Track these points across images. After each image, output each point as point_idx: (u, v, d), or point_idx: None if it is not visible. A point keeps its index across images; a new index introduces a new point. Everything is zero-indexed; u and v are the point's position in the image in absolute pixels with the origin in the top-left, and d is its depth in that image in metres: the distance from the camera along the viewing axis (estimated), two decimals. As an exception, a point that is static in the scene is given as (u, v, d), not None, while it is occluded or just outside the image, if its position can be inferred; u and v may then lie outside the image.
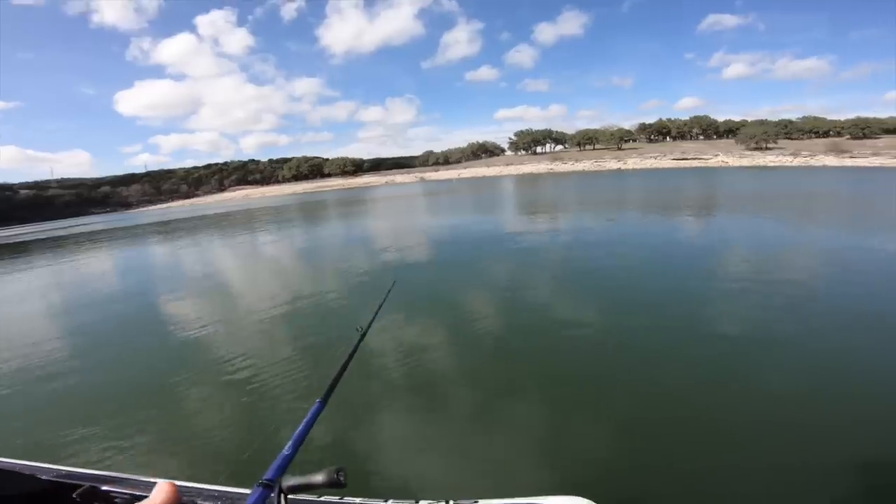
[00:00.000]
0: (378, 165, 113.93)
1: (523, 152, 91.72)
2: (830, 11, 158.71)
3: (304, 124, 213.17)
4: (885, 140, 57.59)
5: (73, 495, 1.48)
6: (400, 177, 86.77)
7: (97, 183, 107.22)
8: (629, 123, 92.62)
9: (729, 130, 77.69)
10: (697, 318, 5.93)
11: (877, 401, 3.76)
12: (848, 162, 46.62)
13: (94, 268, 16.58)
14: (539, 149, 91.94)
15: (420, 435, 3.85)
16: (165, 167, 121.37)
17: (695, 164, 55.82)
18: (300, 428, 0.79)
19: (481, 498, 1.20)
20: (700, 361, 4.67)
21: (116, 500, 1.52)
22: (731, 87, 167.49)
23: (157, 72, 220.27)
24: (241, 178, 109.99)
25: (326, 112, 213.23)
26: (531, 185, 43.29)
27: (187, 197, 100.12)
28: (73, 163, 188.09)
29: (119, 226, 43.89)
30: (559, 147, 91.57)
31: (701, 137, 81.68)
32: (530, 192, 35.55)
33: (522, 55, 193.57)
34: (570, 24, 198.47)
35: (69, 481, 1.58)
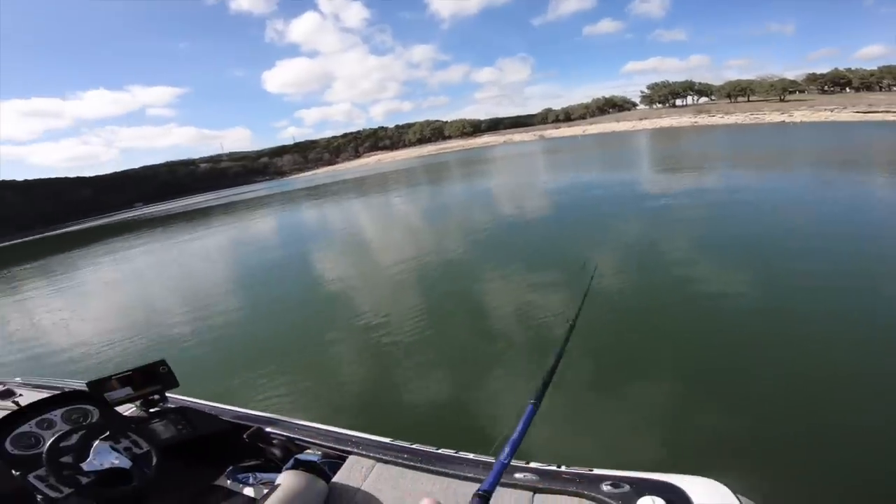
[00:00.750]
0: (496, 125, 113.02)
1: (659, 106, 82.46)
2: None
3: (425, 89, 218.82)
4: None
5: (244, 435, 1.78)
6: (518, 135, 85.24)
7: (258, 155, 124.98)
8: (794, 74, 76.22)
9: None
10: (867, 300, 4.86)
11: None
12: None
13: (274, 227, 19.72)
14: (679, 102, 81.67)
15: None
16: (309, 138, 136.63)
17: (889, 117, 44.72)
18: (515, 435, 0.76)
19: (620, 469, 1.21)
20: (868, 348, 3.94)
21: (275, 441, 1.80)
22: None
23: (293, 50, 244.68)
24: (373, 144, 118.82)
25: (443, 76, 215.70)
26: (673, 140, 37.01)
27: (329, 164, 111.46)
28: (237, 138, 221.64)
29: (279, 191, 50.48)
30: (704, 99, 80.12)
31: (894, 88, 63.95)
32: (685, 145, 30.22)
33: (650, 5, 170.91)
34: None
35: (242, 422, 1.88)
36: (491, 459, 1.39)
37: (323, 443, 1.71)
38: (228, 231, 21.54)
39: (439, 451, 1.53)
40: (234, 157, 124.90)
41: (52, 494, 1.54)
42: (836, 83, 69.64)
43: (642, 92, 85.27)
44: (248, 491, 1.85)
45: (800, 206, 9.40)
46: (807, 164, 16.13)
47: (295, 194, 39.33)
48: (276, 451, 1.84)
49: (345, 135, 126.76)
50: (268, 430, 1.83)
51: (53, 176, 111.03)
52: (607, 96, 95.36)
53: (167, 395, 2.03)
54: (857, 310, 4.67)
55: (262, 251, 13.59)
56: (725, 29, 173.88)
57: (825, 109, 52.00)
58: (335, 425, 1.86)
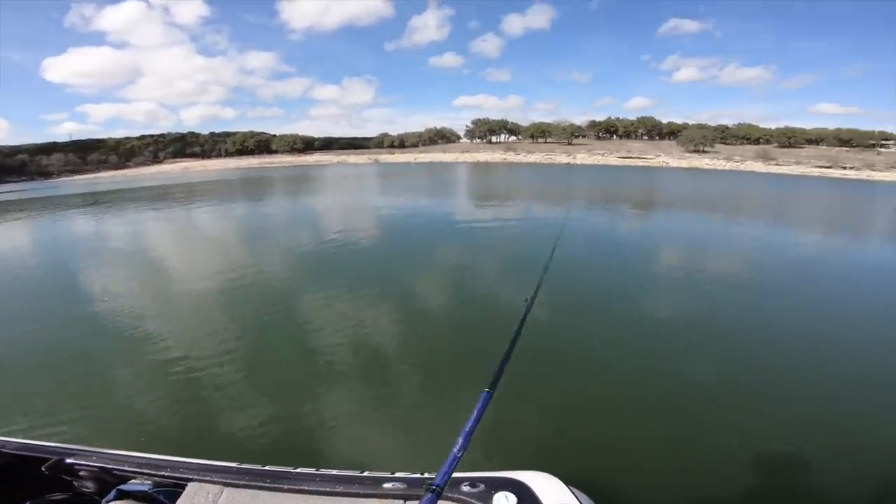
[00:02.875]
0: (330, 144, 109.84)
1: (479, 140, 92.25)
2: (779, 20, 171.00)
3: (254, 99, 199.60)
4: (808, 150, 63.96)
5: (42, 468, 1.46)
6: (353, 157, 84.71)
7: (13, 151, 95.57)
8: (581, 119, 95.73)
9: (671, 132, 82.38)
10: (636, 301, 6.84)
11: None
12: (773, 169, 51.40)
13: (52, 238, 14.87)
14: (494, 138, 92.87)
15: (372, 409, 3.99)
16: (94, 136, 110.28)
17: (638, 162, 59.07)
18: (469, 422, 0.67)
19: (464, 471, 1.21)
20: (646, 345, 5.25)
21: (82, 473, 1.49)
22: (679, 90, 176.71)
23: (96, 38, 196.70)
24: (179, 150, 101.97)
25: (280, 88, 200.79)
26: (491, 172, 44.37)
27: (118, 168, 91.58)
28: None
29: (39, 195, 39.04)
30: (513, 138, 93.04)
31: (645, 137, 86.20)
32: (496, 179, 36.73)
33: (489, 44, 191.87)
34: (539, 17, 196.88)
35: (36, 454, 1.54)
36: (355, 473, 1.37)
37: (152, 472, 1.47)
38: None
39: (297, 469, 1.41)
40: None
41: None
42: (608, 130, 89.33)
43: (467, 126, 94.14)
44: None
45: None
46: (590, 200, 21.69)
47: (66, 200, 30.65)
48: (89, 484, 1.52)
49: (142, 137, 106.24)
50: (71, 461, 1.52)
51: None
52: (438, 127, 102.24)
53: None
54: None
55: (48, 266, 10.64)
56: (540, 72, 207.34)
57: (598, 153, 65.70)
58: (166, 454, 1.59)
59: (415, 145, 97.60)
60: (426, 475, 1.27)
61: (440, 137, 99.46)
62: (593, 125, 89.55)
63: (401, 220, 15.17)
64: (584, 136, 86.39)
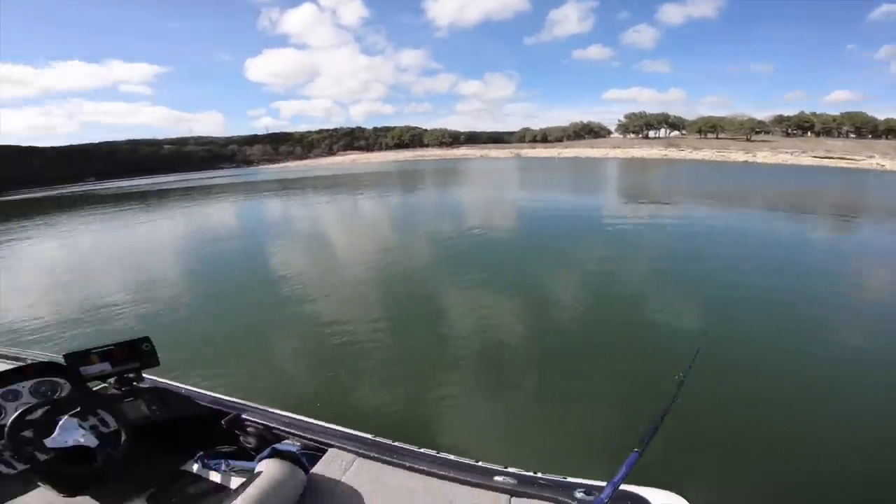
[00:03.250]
0: (473, 139, 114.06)
1: (633, 136, 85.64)
2: None
3: (408, 95, 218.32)
4: None
5: (222, 421, 1.77)
6: (495, 151, 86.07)
7: (227, 142, 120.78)
8: (763, 114, 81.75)
9: (890, 130, 65.17)
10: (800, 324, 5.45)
11: None
12: None
13: (250, 216, 18.52)
14: (652, 133, 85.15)
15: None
16: (284, 130, 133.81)
17: (841, 163, 48.17)
18: (617, 477, 0.77)
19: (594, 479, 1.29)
20: (815, 375, 4.32)
21: (251, 429, 1.79)
22: None
23: (282, 41, 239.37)
24: (349, 143, 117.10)
25: (429, 84, 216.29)
26: (650, 170, 38.74)
27: (301, 158, 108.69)
28: (209, 122, 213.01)
29: (246, 180, 48.07)
30: (675, 133, 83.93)
31: (853, 136, 69.45)
32: (656, 177, 31.72)
33: (642, 35, 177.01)
34: (702, 6, 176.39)
35: (219, 408, 1.88)
36: (470, 462, 1.44)
37: (302, 434, 1.68)
38: (194, 216, 20.23)
39: (421, 450, 1.53)
40: (201, 141, 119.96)
41: (4, 470, 1.48)
42: (800, 126, 74.69)
43: (619, 120, 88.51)
44: (216, 477, 1.82)
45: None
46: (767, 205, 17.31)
47: (264, 186, 37.84)
48: (252, 440, 1.79)
49: (320, 131, 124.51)
50: (245, 417, 1.78)
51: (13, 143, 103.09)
52: (585, 121, 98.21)
53: (144, 375, 1.95)
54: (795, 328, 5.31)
55: (240, 240, 12.79)
56: (708, 64, 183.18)
57: (785, 152, 55.35)
58: (314, 418, 1.80)
59: (559, 139, 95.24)
60: (538, 474, 1.35)
61: (587, 132, 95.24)
62: (780, 120, 75.65)
63: (546, 217, 14.68)
64: (767, 133, 73.61)
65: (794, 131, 74.73)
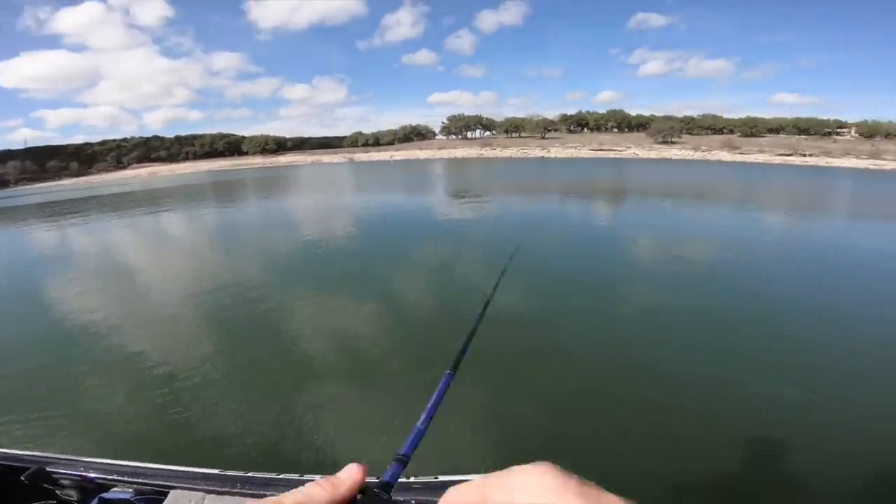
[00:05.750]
0: (301, 144, 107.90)
1: (454, 136, 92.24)
2: (742, 13, 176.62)
3: (221, 100, 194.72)
4: (769, 139, 66.62)
5: (22, 477, 1.42)
6: (327, 156, 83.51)
7: None
8: (553, 113, 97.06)
9: (640, 124, 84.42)
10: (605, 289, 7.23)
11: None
12: (738, 157, 53.44)
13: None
14: (469, 134, 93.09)
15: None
16: (51, 143, 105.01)
17: (610, 154, 60.31)
18: (431, 401, 0.75)
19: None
20: (616, 333, 5.50)
21: (64, 482, 1.47)
22: (646, 83, 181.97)
23: (52, 42, 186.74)
24: (143, 155, 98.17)
25: (248, 88, 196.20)
26: (467, 168, 43.96)
27: (79, 175, 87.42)
28: None
29: None
30: (487, 133, 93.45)
31: (615, 130, 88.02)
32: (473, 175, 36.44)
33: (462, 41, 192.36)
34: (512, 12, 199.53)
35: (15, 464, 1.51)
36: None
37: (133, 479, 1.45)
38: None
39: (280, 475, 1.37)
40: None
41: None
42: (579, 123, 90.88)
43: (443, 122, 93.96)
44: None
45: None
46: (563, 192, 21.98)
47: (27, 211, 28.76)
48: (71, 493, 1.49)
49: (103, 142, 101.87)
50: (53, 469, 1.49)
51: None
52: (413, 124, 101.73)
53: None
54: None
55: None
56: (513, 68, 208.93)
57: (571, 147, 66.63)
58: (147, 462, 1.57)
59: (390, 143, 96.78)
60: (411, 479, 1.24)
61: (415, 135, 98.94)
62: (565, 119, 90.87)
63: (377, 218, 15.50)
64: (556, 130, 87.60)
65: (575, 128, 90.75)
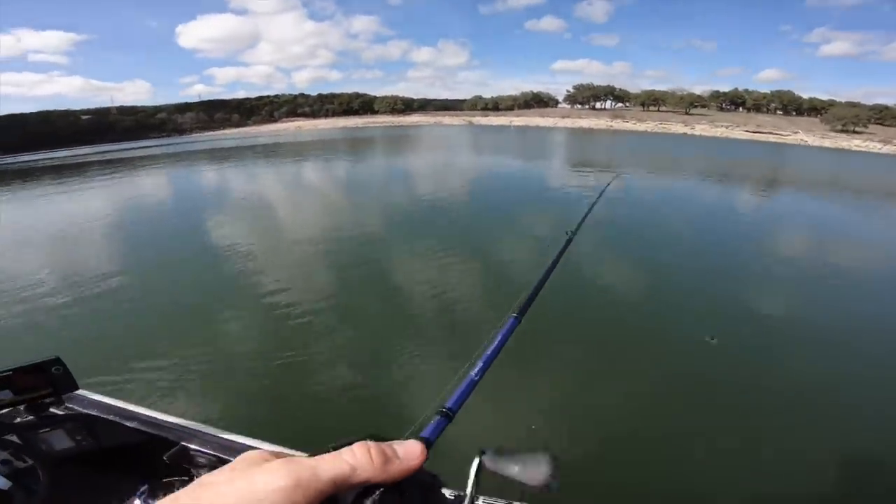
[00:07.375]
0: (425, 105, 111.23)
1: (580, 106, 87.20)
2: None
3: (358, 62, 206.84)
4: None
5: (165, 457, 1.49)
6: (448, 118, 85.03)
7: (155, 110, 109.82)
8: (701, 89, 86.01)
9: (813, 108, 71.08)
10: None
11: None
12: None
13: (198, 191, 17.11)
14: (598, 104, 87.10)
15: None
16: (219, 97, 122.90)
17: (770, 138, 52.17)
18: (490, 349, 0.64)
19: None
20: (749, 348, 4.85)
21: (202, 461, 1.51)
22: (824, 65, 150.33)
23: (220, 6, 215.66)
24: (291, 110, 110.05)
25: (381, 51, 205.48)
26: (594, 139, 41.41)
27: (238, 126, 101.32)
28: (134, 91, 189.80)
29: (177, 150, 42.67)
30: (620, 105, 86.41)
31: (780, 112, 75.08)
32: (606, 146, 34.44)
33: (595, 8, 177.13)
34: None
35: (160, 434, 1.59)
36: None
37: None
38: (116, 193, 18.33)
39: None
40: (125, 110, 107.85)
41: None
42: (733, 102, 79.72)
43: (568, 91, 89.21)
44: None
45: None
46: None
47: (198, 156, 34.68)
48: (205, 472, 1.28)
49: (259, 97, 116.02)
50: (193, 447, 1.50)
51: None
52: (535, 91, 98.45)
53: (64, 397, 1.58)
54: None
55: (172, 221, 12.01)
56: (655, 38, 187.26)
57: (721, 125, 59.02)
58: (278, 443, 1.36)
59: (510, 108, 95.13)
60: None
61: (536, 101, 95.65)
62: (716, 95, 79.93)
63: (494, 179, 16.84)
64: (704, 107, 77.71)
65: (728, 106, 79.46)
